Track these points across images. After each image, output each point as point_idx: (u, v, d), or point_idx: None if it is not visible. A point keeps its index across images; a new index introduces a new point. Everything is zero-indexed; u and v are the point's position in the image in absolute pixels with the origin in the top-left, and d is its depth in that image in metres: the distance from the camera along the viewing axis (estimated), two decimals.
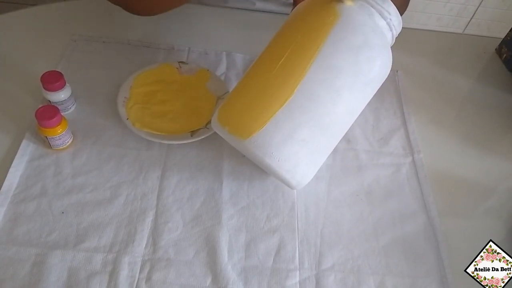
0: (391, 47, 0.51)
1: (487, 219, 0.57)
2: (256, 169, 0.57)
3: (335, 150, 0.55)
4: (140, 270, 0.47)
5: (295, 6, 0.55)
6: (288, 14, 0.55)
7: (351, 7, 0.48)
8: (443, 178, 0.60)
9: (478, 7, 1.51)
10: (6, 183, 0.52)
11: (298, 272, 0.49)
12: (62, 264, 0.47)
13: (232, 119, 0.48)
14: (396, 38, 0.52)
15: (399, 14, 0.50)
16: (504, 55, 0.79)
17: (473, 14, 1.54)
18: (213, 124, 0.51)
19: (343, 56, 0.47)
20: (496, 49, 0.82)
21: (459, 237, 0.54)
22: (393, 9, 0.50)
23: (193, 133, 0.58)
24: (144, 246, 0.49)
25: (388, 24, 0.50)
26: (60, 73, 0.58)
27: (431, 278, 0.51)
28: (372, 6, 0.49)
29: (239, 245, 0.51)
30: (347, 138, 0.62)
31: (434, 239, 0.53)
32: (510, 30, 0.78)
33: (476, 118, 0.70)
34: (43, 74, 0.57)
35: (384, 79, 0.51)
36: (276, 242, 0.51)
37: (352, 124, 0.51)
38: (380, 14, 0.49)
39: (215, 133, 0.58)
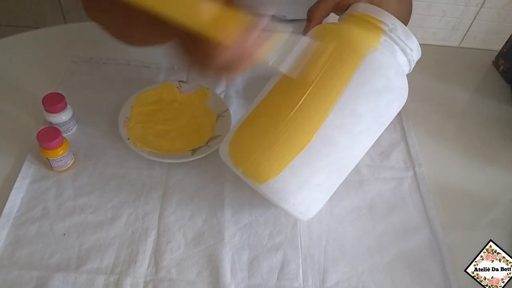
0: None
1: (491, 231, 0.56)
2: None
3: None
4: None
5: (311, 23, 0.52)
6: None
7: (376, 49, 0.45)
8: (445, 190, 0.60)
9: (473, 20, 1.53)
10: (8, 205, 0.52)
11: None
12: (64, 287, 0.46)
13: (247, 162, 0.46)
14: None
15: (419, 48, 0.48)
16: (501, 67, 0.80)
17: (469, 28, 1.56)
18: (222, 156, 0.49)
19: (364, 100, 0.45)
20: (493, 61, 0.82)
21: (463, 249, 0.54)
22: (415, 44, 0.47)
23: (194, 151, 0.59)
24: (146, 266, 0.49)
25: (409, 60, 0.48)
26: (61, 95, 0.58)
27: None
28: (396, 43, 0.46)
29: (242, 263, 0.50)
30: None
31: (438, 253, 0.53)
32: (506, 42, 0.79)
33: (476, 130, 0.70)
34: (45, 96, 0.57)
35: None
36: (279, 260, 0.51)
37: None
38: (402, 51, 0.47)
39: (216, 150, 0.58)
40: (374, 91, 0.45)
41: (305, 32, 0.53)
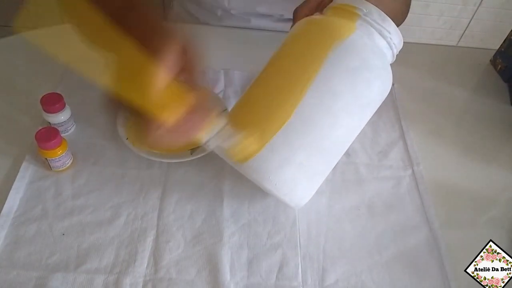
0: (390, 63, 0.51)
1: (489, 230, 0.57)
2: (257, 186, 0.57)
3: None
4: None
5: (295, 22, 0.55)
6: (284, 31, 0.56)
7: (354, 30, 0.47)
8: (443, 189, 0.60)
9: (471, 19, 1.54)
10: (6, 205, 0.52)
11: None
12: (63, 287, 0.46)
13: None
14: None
15: (399, 32, 0.50)
16: (499, 66, 0.80)
17: (467, 27, 1.56)
18: (212, 145, 0.50)
19: (340, 79, 0.47)
20: (490, 60, 0.83)
21: (461, 249, 0.54)
22: (393, 27, 0.49)
23: (192, 151, 0.59)
24: (145, 266, 0.49)
25: (388, 43, 0.49)
26: (60, 94, 0.58)
27: None
28: (372, 26, 0.48)
29: (241, 262, 0.50)
30: (347, 152, 0.62)
31: (437, 252, 0.53)
32: (503, 41, 0.80)
33: (474, 128, 0.70)
34: (43, 96, 0.57)
35: (384, 98, 0.51)
36: (278, 259, 0.51)
37: None
38: (380, 34, 0.49)
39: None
40: (350, 70, 0.47)
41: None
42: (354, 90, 0.47)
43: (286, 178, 0.47)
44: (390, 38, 0.49)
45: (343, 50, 0.46)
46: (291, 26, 0.55)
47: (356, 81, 0.47)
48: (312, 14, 0.55)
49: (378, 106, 0.51)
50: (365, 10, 0.49)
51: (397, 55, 0.53)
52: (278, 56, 0.51)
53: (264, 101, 0.48)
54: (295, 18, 0.56)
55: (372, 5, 0.49)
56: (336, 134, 0.48)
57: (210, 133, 0.44)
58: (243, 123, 0.48)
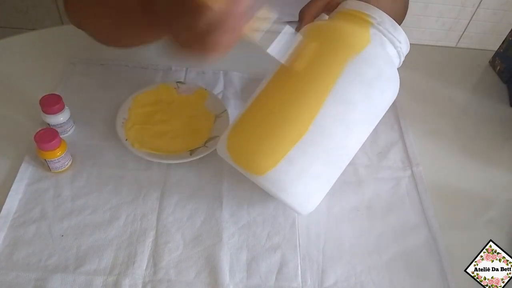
0: None
1: (488, 230, 0.57)
2: (256, 187, 0.57)
3: None
4: None
5: (302, 23, 0.54)
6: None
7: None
8: (442, 190, 0.60)
9: (470, 20, 1.54)
10: (5, 207, 0.52)
11: None
12: None
13: (245, 155, 0.47)
14: None
15: (408, 40, 0.50)
16: (498, 67, 0.80)
17: (465, 28, 1.56)
18: (220, 153, 0.50)
19: (356, 90, 0.46)
20: (489, 61, 0.83)
21: (461, 249, 0.54)
22: (403, 36, 0.49)
23: (192, 152, 0.59)
24: (144, 267, 0.49)
25: (398, 52, 0.50)
26: (59, 96, 0.58)
27: None
28: (384, 35, 0.48)
29: (241, 264, 0.50)
30: None
31: (436, 253, 0.53)
32: (502, 42, 0.80)
33: (473, 129, 0.70)
34: (42, 97, 0.57)
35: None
36: (278, 260, 0.51)
37: None
38: (391, 43, 0.49)
39: (214, 151, 0.58)
40: (366, 81, 0.47)
41: (296, 31, 0.54)
42: (368, 100, 0.47)
43: (302, 189, 0.47)
44: (400, 48, 0.50)
45: (359, 62, 0.46)
46: (297, 27, 0.54)
47: (370, 92, 0.47)
48: (319, 15, 0.55)
49: (384, 113, 0.51)
50: (378, 19, 0.48)
51: None
52: (288, 68, 0.49)
53: (280, 112, 0.47)
54: (302, 19, 0.55)
55: (383, 13, 0.48)
56: (349, 143, 0.49)
57: (263, 25, 0.43)
58: (259, 134, 0.47)
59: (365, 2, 0.51)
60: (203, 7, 0.36)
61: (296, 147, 0.45)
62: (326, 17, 0.56)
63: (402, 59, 0.52)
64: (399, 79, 0.50)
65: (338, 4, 0.53)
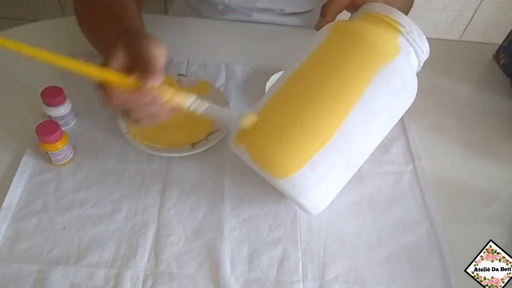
0: None
1: (490, 225, 0.57)
2: (258, 180, 0.57)
3: None
4: (142, 285, 0.47)
5: (326, 20, 0.53)
6: (285, 25, 0.55)
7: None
8: (444, 185, 0.60)
9: (474, 14, 1.53)
10: (7, 199, 0.52)
11: (301, 283, 0.49)
12: (64, 281, 0.46)
13: (267, 156, 0.46)
14: None
15: (429, 50, 0.50)
16: (502, 61, 0.79)
17: (469, 21, 1.55)
18: (236, 149, 0.49)
19: (382, 100, 0.46)
20: (493, 55, 0.82)
21: (462, 244, 0.54)
22: (426, 46, 0.49)
23: (193, 145, 0.58)
24: (146, 260, 0.49)
25: (419, 62, 0.49)
26: (60, 88, 0.58)
27: (436, 287, 0.50)
28: (410, 44, 0.48)
29: (242, 257, 0.50)
30: None
31: (438, 248, 0.53)
32: (506, 36, 0.79)
33: (476, 124, 0.70)
34: (43, 89, 0.57)
35: None
36: (279, 254, 0.51)
37: None
38: (415, 53, 0.48)
39: (216, 144, 0.58)
40: (393, 91, 0.46)
41: (318, 26, 0.54)
42: (391, 109, 0.48)
43: (320, 194, 0.47)
44: (422, 58, 0.49)
45: (387, 72, 0.46)
46: (319, 22, 0.53)
47: (394, 101, 0.47)
48: (341, 11, 0.54)
49: None
50: (407, 28, 0.47)
51: None
52: (315, 67, 0.48)
53: (307, 116, 0.46)
54: (325, 15, 0.54)
55: (411, 20, 0.48)
56: (369, 150, 0.49)
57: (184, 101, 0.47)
58: (284, 135, 0.46)
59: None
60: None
61: (320, 153, 0.45)
62: (347, 14, 0.55)
63: (420, 67, 0.51)
64: (417, 89, 0.50)
65: (362, 2, 0.52)
